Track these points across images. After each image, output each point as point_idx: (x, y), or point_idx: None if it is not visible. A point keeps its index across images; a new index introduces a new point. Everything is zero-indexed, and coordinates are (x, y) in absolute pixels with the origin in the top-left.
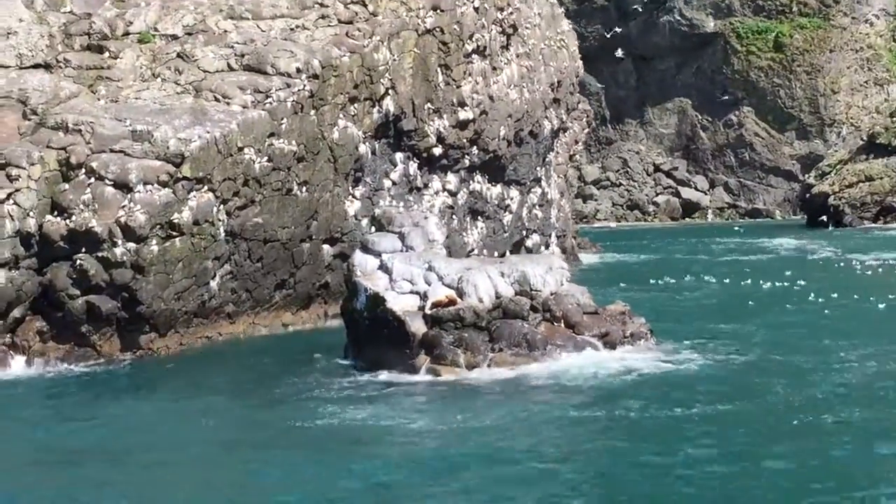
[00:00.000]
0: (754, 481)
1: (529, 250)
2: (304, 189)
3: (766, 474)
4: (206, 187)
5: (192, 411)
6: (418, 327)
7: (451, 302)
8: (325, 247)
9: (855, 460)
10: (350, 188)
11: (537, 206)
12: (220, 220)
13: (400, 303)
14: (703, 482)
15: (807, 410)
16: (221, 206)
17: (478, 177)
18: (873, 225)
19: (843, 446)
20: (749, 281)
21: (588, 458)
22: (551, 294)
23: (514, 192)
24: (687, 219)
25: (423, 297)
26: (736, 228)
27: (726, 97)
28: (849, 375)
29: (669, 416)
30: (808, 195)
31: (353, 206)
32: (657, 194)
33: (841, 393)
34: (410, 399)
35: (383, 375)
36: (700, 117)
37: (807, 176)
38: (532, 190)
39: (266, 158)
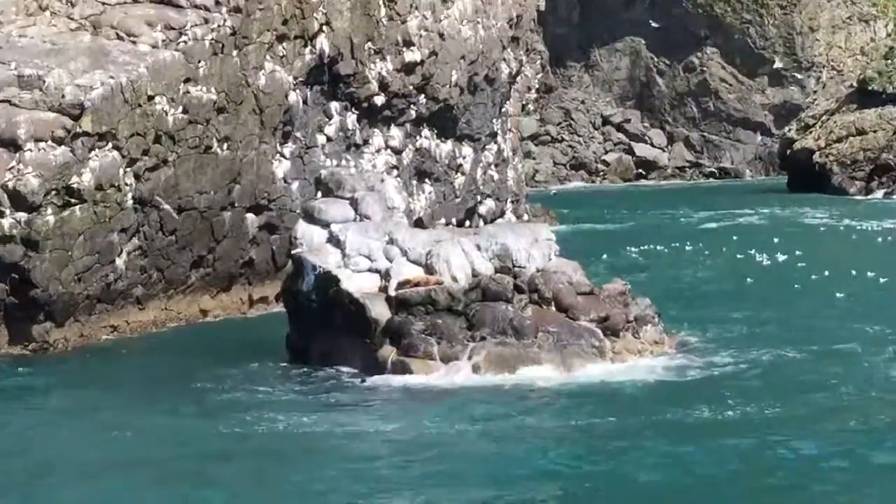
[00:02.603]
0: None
1: (483, 218)
2: (225, 146)
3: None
4: (110, 144)
5: (100, 421)
6: (381, 312)
7: (428, 282)
8: (250, 216)
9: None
10: (278, 145)
11: (493, 167)
12: (126, 185)
13: (357, 283)
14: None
15: (841, 410)
16: (128, 168)
17: (426, 131)
18: (869, 197)
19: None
20: (743, 255)
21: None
22: (538, 271)
23: (466, 150)
24: (642, 180)
25: (385, 275)
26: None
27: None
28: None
29: (696, 426)
30: (788, 152)
31: (281, 167)
32: (606, 151)
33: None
34: (373, 402)
35: (338, 372)
36: (656, 60)
37: (787, 129)
38: (487, 147)
39: (181, 109)
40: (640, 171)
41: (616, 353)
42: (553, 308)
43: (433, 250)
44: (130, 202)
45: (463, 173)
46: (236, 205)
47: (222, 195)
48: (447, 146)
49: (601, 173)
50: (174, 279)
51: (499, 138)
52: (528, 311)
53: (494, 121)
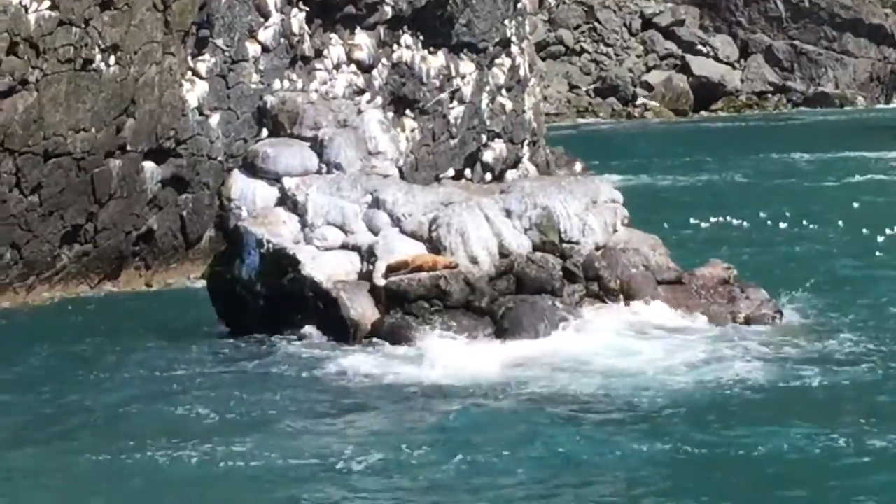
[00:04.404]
0: None
1: (489, 168)
2: (112, 60)
3: None
4: None
5: None
6: (363, 311)
7: (435, 266)
8: (148, 166)
9: None
10: (189, 58)
11: (504, 91)
12: None
13: (326, 266)
14: None
15: None
16: None
17: (406, 38)
18: None
19: None
20: (873, 231)
21: None
22: (598, 249)
23: (467, 66)
24: (703, 112)
25: (369, 255)
26: None
27: None
28: None
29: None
30: None
31: (194, 91)
32: (649, 70)
33: None
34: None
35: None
36: None
37: None
38: (496, 61)
39: (47, 5)
40: (700, 98)
41: None
42: (622, 303)
43: (440, 217)
44: None
45: (462, 101)
46: (129, 148)
47: (108, 134)
48: (438, 60)
49: (641, 102)
50: (37, 261)
51: (513, 49)
52: (586, 309)
53: (507, 22)
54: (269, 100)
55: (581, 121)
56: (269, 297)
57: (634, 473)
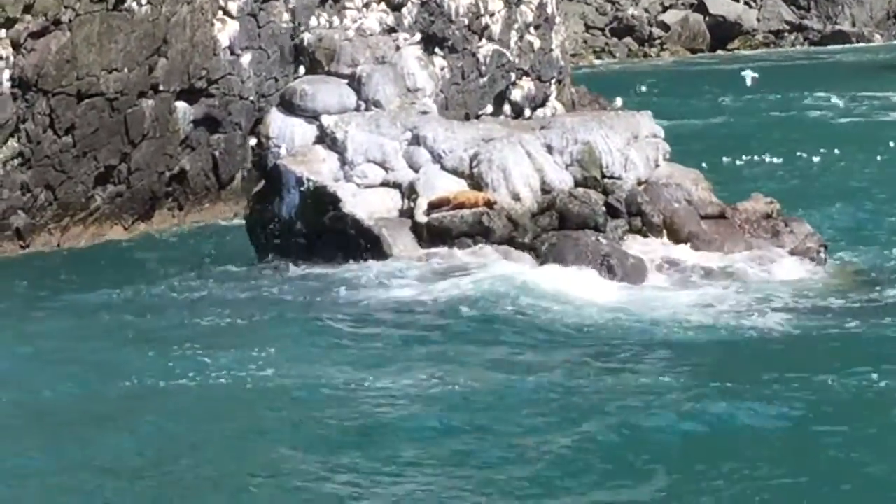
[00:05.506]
0: None
1: (517, 107)
2: (144, 0)
3: None
4: None
5: None
6: (406, 248)
7: (476, 202)
8: (181, 105)
9: None
10: None
11: (532, 29)
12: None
13: (366, 204)
14: None
15: None
16: (3, 32)
17: None
18: None
19: None
20: None
21: None
22: (640, 183)
23: (495, 4)
24: (720, 51)
25: (410, 192)
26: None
27: None
28: None
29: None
30: None
31: (225, 31)
32: (665, 9)
33: None
34: None
35: None
36: None
37: None
38: None
39: None
40: (716, 38)
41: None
42: (665, 238)
43: (481, 154)
44: (6, 85)
45: (491, 39)
46: (161, 87)
47: (140, 74)
48: None
49: (658, 42)
50: (71, 202)
51: None
52: (631, 244)
53: None
54: (306, 37)
55: (597, 61)
56: (309, 234)
57: (657, 423)
